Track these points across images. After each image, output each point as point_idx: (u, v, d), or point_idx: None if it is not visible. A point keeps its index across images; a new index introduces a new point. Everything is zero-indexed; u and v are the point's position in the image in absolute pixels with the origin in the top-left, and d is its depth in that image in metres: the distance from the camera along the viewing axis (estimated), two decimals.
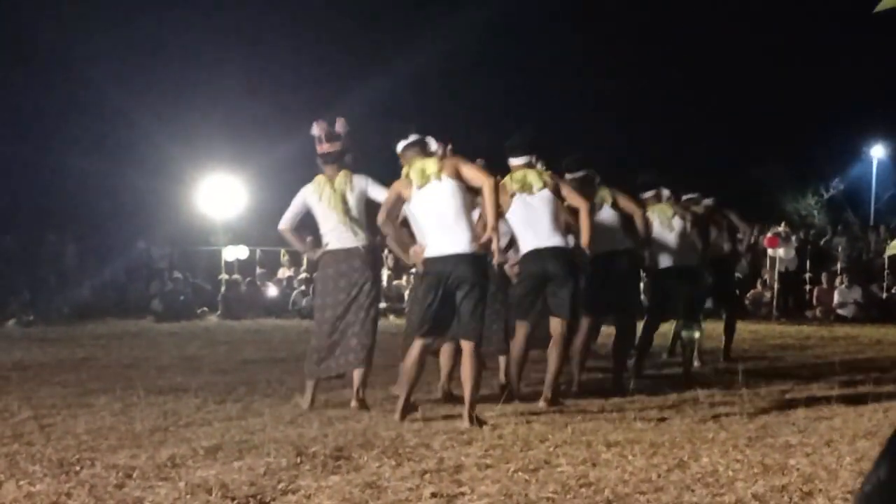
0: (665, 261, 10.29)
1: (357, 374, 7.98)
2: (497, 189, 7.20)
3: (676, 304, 10.38)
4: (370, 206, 8.08)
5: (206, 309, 21.34)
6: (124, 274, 22.91)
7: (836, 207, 37.52)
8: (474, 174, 7.19)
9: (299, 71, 33.51)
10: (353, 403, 7.85)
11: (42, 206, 26.24)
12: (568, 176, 9.23)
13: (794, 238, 23.05)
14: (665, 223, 10.27)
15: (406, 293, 21.18)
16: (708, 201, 12.52)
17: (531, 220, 8.21)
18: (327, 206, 8.05)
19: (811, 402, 8.10)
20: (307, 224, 8.41)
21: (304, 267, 23.55)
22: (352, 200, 8.05)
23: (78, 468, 5.53)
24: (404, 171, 7.44)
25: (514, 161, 8.45)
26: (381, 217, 7.53)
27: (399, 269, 22.74)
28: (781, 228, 22.81)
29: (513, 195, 8.23)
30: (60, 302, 20.21)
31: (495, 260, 7.59)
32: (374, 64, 33.47)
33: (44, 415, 7.52)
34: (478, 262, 7.23)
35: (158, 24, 32.90)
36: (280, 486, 5.09)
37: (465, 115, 33.75)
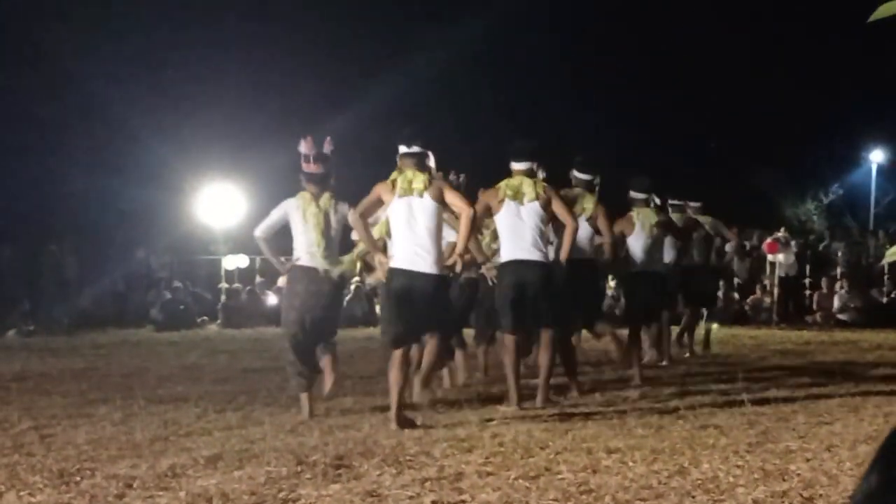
0: (638, 265, 10.59)
1: (328, 367, 8.20)
2: (473, 221, 7.50)
3: (655, 307, 10.97)
4: (346, 231, 8.33)
5: (206, 318, 21.33)
6: (124, 283, 22.91)
7: (836, 213, 37.52)
8: (456, 201, 7.50)
9: (298, 80, 33.51)
10: (325, 394, 8.19)
11: (42, 217, 26.22)
12: (576, 174, 9.49)
13: (793, 243, 23.04)
14: (646, 229, 10.57)
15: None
16: (695, 204, 12.87)
17: (516, 230, 8.34)
18: (309, 223, 8.14)
19: (811, 407, 8.10)
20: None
21: None
22: (333, 223, 8.18)
23: (78, 479, 5.54)
24: (392, 175, 7.58)
25: (516, 165, 8.55)
26: (353, 214, 7.72)
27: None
28: (781, 234, 22.80)
29: (501, 201, 8.35)
30: (60, 312, 20.19)
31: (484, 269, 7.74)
32: (374, 72, 33.50)
33: (44, 425, 7.52)
34: (439, 281, 7.52)
35: (158, 34, 32.92)
36: (281, 495, 5.10)
37: (460, 124, 33.82)
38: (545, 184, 8.58)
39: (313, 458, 5.92)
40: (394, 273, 7.52)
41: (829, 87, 38.98)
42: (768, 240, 22.08)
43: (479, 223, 8.05)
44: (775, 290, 21.87)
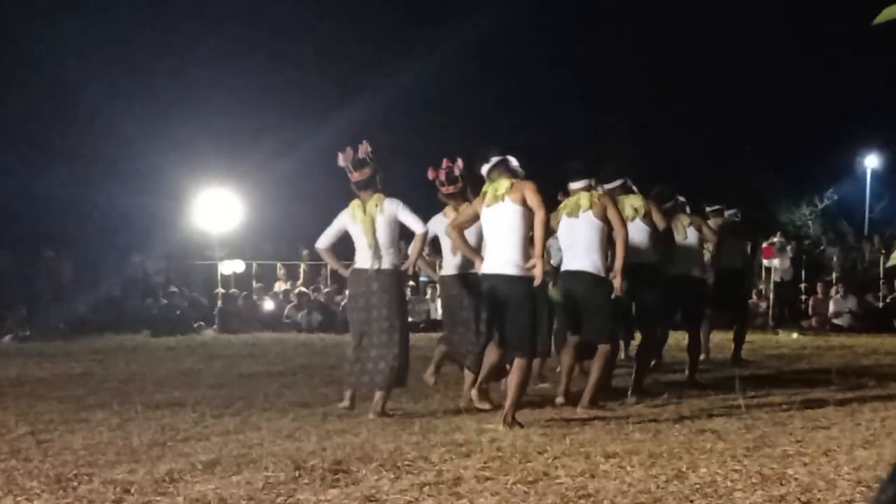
0: (676, 268, 10.56)
1: (378, 395, 8.31)
2: (548, 220, 7.67)
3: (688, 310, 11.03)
4: (402, 230, 8.59)
5: (202, 323, 21.31)
6: (121, 289, 22.90)
7: (831, 218, 37.56)
8: (534, 201, 7.54)
9: (295, 85, 33.52)
10: (371, 416, 8.12)
11: (38, 222, 26.19)
12: (606, 186, 9.51)
13: (789, 248, 23.06)
14: (680, 232, 10.77)
15: (432, 307, 21.18)
16: (731, 211, 13.05)
17: (570, 241, 8.70)
18: (359, 228, 8.46)
19: (808, 412, 8.11)
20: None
21: (300, 281, 23.56)
22: (380, 224, 8.42)
23: (76, 484, 5.53)
24: (484, 187, 7.88)
25: (574, 185, 8.89)
26: (449, 226, 8.27)
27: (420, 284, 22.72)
28: (777, 239, 22.84)
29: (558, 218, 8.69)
30: (57, 317, 20.16)
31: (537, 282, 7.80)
32: (372, 77, 33.50)
33: (41, 430, 7.51)
34: (524, 283, 7.60)
35: (153, 39, 32.92)
36: (279, 501, 5.10)
37: (462, 126, 33.82)
38: (600, 194, 8.88)
39: (311, 463, 5.92)
40: (482, 278, 7.83)
41: (823, 92, 39.03)
42: (764, 245, 22.11)
43: (463, 229, 8.15)
44: (771, 295, 21.89)
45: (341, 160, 8.52)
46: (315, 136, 28.51)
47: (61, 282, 22.30)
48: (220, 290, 22.29)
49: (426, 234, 8.68)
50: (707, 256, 11.95)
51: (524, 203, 7.55)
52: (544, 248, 7.83)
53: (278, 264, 24.59)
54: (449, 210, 9.17)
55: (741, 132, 38.30)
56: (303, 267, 24.27)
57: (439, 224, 9.07)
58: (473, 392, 8.72)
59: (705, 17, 39.11)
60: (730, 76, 39.14)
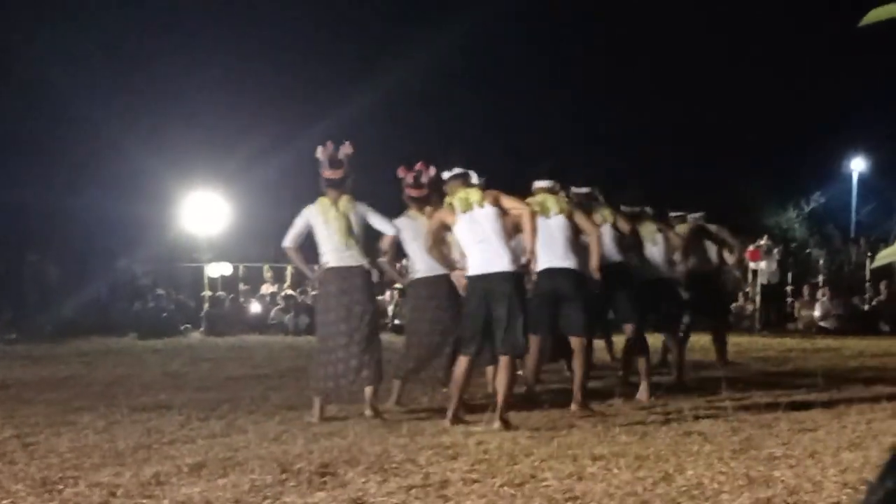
0: (649, 273, 10.85)
1: (368, 391, 8.36)
2: (534, 216, 8.05)
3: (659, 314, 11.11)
4: (368, 231, 8.63)
5: (189, 326, 21.28)
6: (107, 291, 22.85)
7: (818, 221, 37.65)
8: (514, 204, 7.97)
9: (282, 87, 33.48)
10: (368, 412, 8.21)
11: (24, 225, 26.11)
12: (574, 190, 9.92)
13: (776, 251, 23.12)
14: (649, 238, 10.99)
15: (389, 309, 21.33)
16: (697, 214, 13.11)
17: (547, 241, 8.68)
18: (331, 227, 8.43)
19: (794, 414, 8.12)
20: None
21: (287, 284, 23.53)
22: (354, 224, 8.46)
23: (61, 487, 5.51)
24: (447, 199, 8.10)
25: (539, 183, 9.22)
26: (428, 242, 8.30)
27: (382, 285, 22.71)
28: (764, 242, 22.89)
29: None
30: (43, 320, 20.10)
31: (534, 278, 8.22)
32: (358, 80, 33.49)
33: (27, 433, 7.48)
34: (515, 278, 7.89)
35: (138, 43, 32.84)
36: (265, 503, 5.08)
37: (442, 133, 33.84)
38: (566, 198, 9.28)
39: (298, 465, 5.91)
40: (471, 280, 7.95)
41: (810, 95, 39.11)
42: (751, 248, 22.16)
43: (438, 237, 8.27)
44: (757, 298, 21.94)
45: (320, 153, 8.57)
46: (301, 138, 28.44)
47: (48, 284, 22.24)
48: (207, 293, 22.26)
49: (396, 236, 8.84)
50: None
51: (501, 206, 7.89)
52: (534, 241, 7.96)
53: (265, 267, 24.55)
54: (413, 212, 9.28)
55: (727, 135, 38.35)
56: (289, 269, 24.21)
57: (404, 225, 9.11)
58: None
59: (691, 22, 39.17)
60: (716, 80, 39.20)
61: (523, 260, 7.97)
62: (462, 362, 7.95)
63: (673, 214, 12.92)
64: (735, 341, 16.87)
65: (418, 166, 9.30)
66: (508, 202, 7.95)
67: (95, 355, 15.51)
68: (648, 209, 11.63)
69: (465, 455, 6.24)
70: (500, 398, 7.71)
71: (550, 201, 8.97)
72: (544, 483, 5.44)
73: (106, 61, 31.38)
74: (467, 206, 7.90)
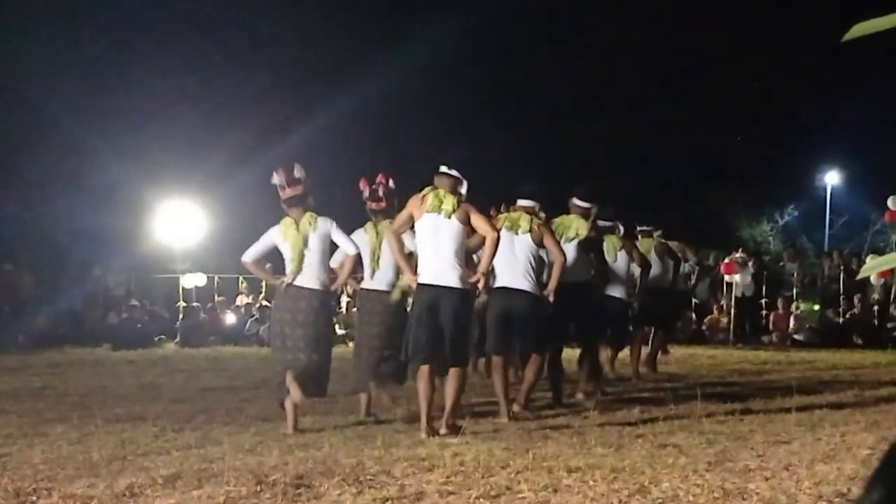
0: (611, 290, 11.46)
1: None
2: (497, 242, 8.08)
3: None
4: (332, 247, 8.79)
5: (163, 336, 21.18)
6: (81, 302, 22.71)
7: (791, 234, 37.88)
8: (482, 225, 8.07)
9: (257, 97, 33.38)
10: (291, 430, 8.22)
11: None
12: (576, 202, 10.39)
13: (751, 264, 23.19)
14: (611, 254, 11.52)
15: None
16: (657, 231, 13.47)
17: (508, 260, 8.99)
18: (290, 246, 8.54)
19: (769, 426, 8.15)
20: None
21: (262, 295, 23.46)
22: (313, 242, 8.54)
23: (35, 498, 5.49)
24: (425, 190, 8.13)
25: (521, 202, 9.50)
26: (389, 230, 8.46)
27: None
28: (739, 255, 22.95)
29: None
30: (16, 331, 19.94)
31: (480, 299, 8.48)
32: (334, 89, 33.37)
33: (0, 444, 7.44)
34: (464, 295, 8.03)
35: (111, 51, 32.63)
36: None
37: (413, 144, 33.91)
38: (540, 220, 9.40)
39: (273, 477, 5.89)
40: (420, 288, 8.04)
41: (784, 109, 39.36)
42: (726, 260, 22.25)
43: (401, 232, 8.41)
44: (732, 311, 22.02)
45: (275, 177, 8.65)
46: (277, 148, 28.44)
47: (21, 295, 22.09)
48: (182, 304, 22.17)
49: (358, 255, 8.84)
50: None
51: (468, 223, 8.00)
52: (489, 265, 8.20)
53: (240, 278, 24.47)
54: (370, 226, 9.36)
55: (703, 149, 38.52)
56: (265, 281, 24.16)
57: (360, 239, 9.17)
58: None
59: (666, 35, 39.32)
60: (691, 93, 39.36)
61: (472, 279, 8.09)
62: (421, 373, 8.05)
63: (640, 229, 13.31)
64: (709, 353, 16.98)
65: (379, 178, 9.39)
66: (477, 220, 8.05)
67: (69, 366, 15.44)
68: (620, 225, 12.19)
69: (440, 467, 6.23)
70: (447, 405, 8.03)
71: (524, 220, 9.17)
72: (520, 495, 5.44)
73: (79, 70, 31.25)
74: (436, 209, 7.99)
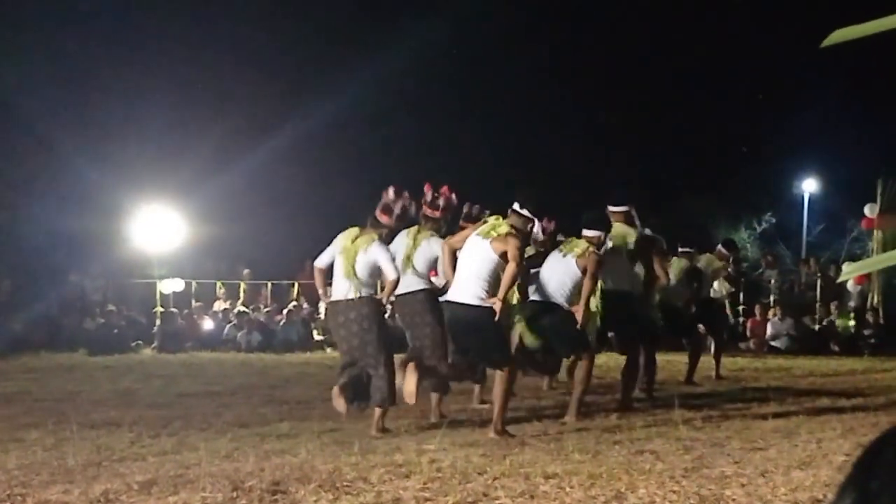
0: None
1: (377, 412, 8.71)
2: (516, 273, 8.29)
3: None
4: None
5: (140, 342, 21.08)
6: (57, 307, 22.59)
7: (769, 241, 38.01)
8: (511, 254, 8.13)
9: (235, 102, 33.26)
10: (374, 433, 8.47)
11: None
12: (610, 208, 10.45)
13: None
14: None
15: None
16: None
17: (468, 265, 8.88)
18: (341, 257, 8.72)
19: (745, 433, 8.16)
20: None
21: (240, 300, 23.41)
22: (361, 261, 8.66)
23: None
24: (492, 220, 8.52)
25: (587, 233, 9.55)
26: (447, 241, 9.01)
27: None
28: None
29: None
30: None
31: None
32: (313, 93, 33.32)
33: None
34: (479, 311, 8.24)
35: (86, 51, 32.48)
36: None
37: (395, 147, 33.94)
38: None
39: (249, 483, 5.87)
40: (444, 305, 8.51)
41: (762, 116, 39.53)
42: None
43: (455, 247, 8.78)
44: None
45: (398, 199, 8.95)
46: (254, 154, 28.40)
47: None
48: (159, 309, 22.09)
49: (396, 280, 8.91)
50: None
51: (503, 254, 8.15)
52: (506, 294, 8.30)
53: (218, 283, 24.42)
54: (412, 231, 9.47)
55: (680, 154, 38.62)
56: (243, 286, 24.10)
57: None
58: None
59: (644, 41, 39.44)
60: (668, 99, 39.46)
61: (489, 301, 8.21)
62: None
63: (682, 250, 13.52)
64: (686, 360, 16.99)
65: (444, 189, 9.48)
66: (511, 250, 8.14)
67: (44, 371, 15.36)
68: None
69: (417, 473, 6.22)
70: (494, 409, 8.40)
71: (579, 246, 9.39)
72: (497, 501, 5.44)
73: (55, 73, 31.10)
74: (484, 233, 8.30)
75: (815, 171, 38.42)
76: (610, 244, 9.87)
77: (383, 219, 9.00)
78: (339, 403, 8.65)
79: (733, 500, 5.45)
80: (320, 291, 9.61)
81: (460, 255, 8.56)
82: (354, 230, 8.76)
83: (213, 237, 26.51)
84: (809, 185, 38.80)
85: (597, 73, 39.72)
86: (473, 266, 8.39)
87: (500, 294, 8.21)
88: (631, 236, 10.25)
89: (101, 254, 24.58)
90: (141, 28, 33.85)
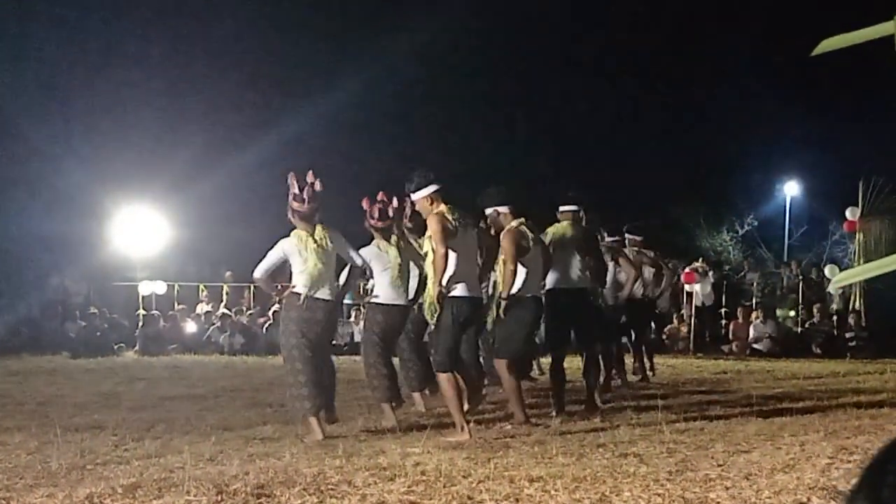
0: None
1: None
2: (513, 275, 8.89)
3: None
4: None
5: (122, 345, 21.02)
6: (39, 310, 22.53)
7: (751, 244, 38.08)
8: (506, 250, 8.92)
9: (219, 103, 33.20)
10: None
11: None
12: (563, 208, 10.29)
13: (710, 274, 23.33)
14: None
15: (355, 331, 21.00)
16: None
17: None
18: (309, 257, 8.52)
19: (729, 436, 8.18)
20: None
21: (222, 303, 23.37)
22: (329, 255, 8.65)
23: None
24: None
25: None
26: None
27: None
28: (699, 264, 23.07)
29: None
30: None
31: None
32: (299, 95, 33.29)
33: None
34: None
35: (68, 51, 32.37)
36: None
37: (386, 148, 33.89)
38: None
39: (233, 486, 5.85)
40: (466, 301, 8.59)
41: (744, 119, 39.58)
42: (686, 270, 22.33)
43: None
44: (692, 320, 22.12)
45: (294, 188, 8.59)
46: (237, 156, 28.34)
47: None
48: (142, 312, 22.05)
49: (361, 268, 9.29)
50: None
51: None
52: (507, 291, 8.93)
53: (200, 286, 24.38)
54: (381, 243, 9.47)
55: (662, 157, 38.67)
56: (225, 289, 24.09)
57: (372, 255, 9.35)
58: None
59: (625, 45, 39.52)
60: (650, 102, 39.57)
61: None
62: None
63: (628, 237, 13.50)
64: (669, 363, 17.06)
65: (380, 196, 9.44)
66: (507, 245, 8.92)
67: (27, 374, 15.31)
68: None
69: (402, 476, 6.21)
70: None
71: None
72: None
73: (37, 73, 31.01)
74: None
75: (796, 173, 38.52)
76: (548, 238, 9.86)
77: (297, 206, 8.67)
78: (318, 432, 8.34)
79: (717, 503, 5.47)
80: (273, 294, 9.67)
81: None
82: (300, 233, 8.57)
83: (196, 240, 26.47)
84: (791, 188, 38.89)
85: (576, 78, 39.77)
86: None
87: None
88: (570, 232, 10.07)
89: (84, 256, 24.52)
90: (124, 31, 33.75)
